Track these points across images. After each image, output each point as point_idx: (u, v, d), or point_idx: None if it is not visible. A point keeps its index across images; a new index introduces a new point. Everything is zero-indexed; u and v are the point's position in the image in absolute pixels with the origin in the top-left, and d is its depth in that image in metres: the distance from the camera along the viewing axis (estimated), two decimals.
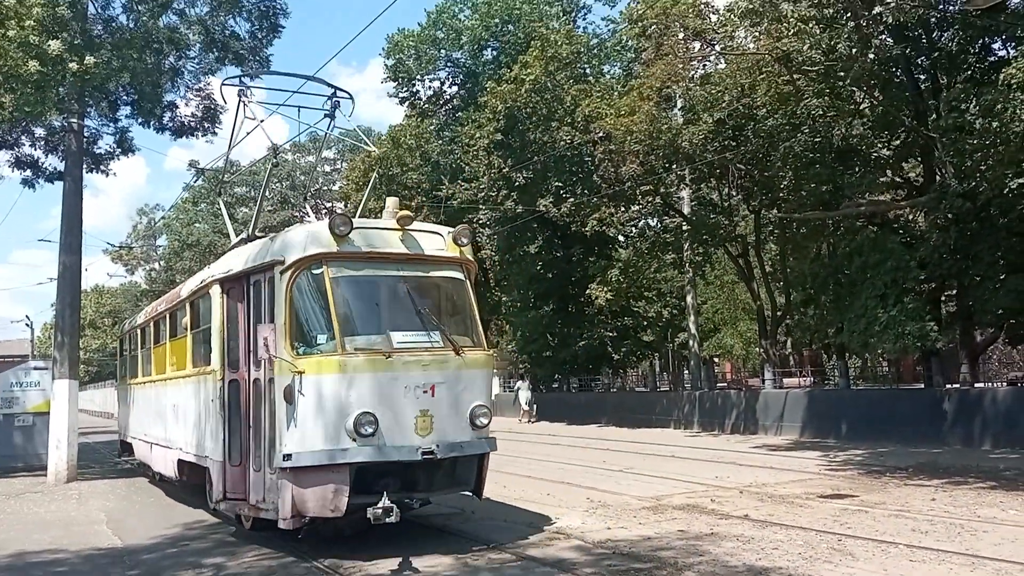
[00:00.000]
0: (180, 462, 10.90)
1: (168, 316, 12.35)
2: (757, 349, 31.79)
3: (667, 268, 30.87)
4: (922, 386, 19.56)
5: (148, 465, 13.89)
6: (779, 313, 25.74)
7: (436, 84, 39.75)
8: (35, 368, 17.42)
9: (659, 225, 29.41)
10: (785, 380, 23.84)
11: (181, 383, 11.02)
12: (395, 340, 8.06)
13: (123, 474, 16.40)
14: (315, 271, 8.11)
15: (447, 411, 8.11)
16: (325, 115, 10.61)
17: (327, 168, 54.28)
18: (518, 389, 35.50)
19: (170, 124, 21.42)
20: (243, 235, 10.91)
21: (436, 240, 8.86)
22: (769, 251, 28.85)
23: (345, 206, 47.33)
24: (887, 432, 17.66)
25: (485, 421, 8.48)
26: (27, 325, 53.73)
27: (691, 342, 28.37)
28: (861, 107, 18.80)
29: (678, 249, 27.33)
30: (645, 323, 33.87)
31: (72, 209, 16.10)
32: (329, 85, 11.04)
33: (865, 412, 19.15)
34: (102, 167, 22.05)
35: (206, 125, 21.68)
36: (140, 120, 21.00)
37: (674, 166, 22.56)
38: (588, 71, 30.57)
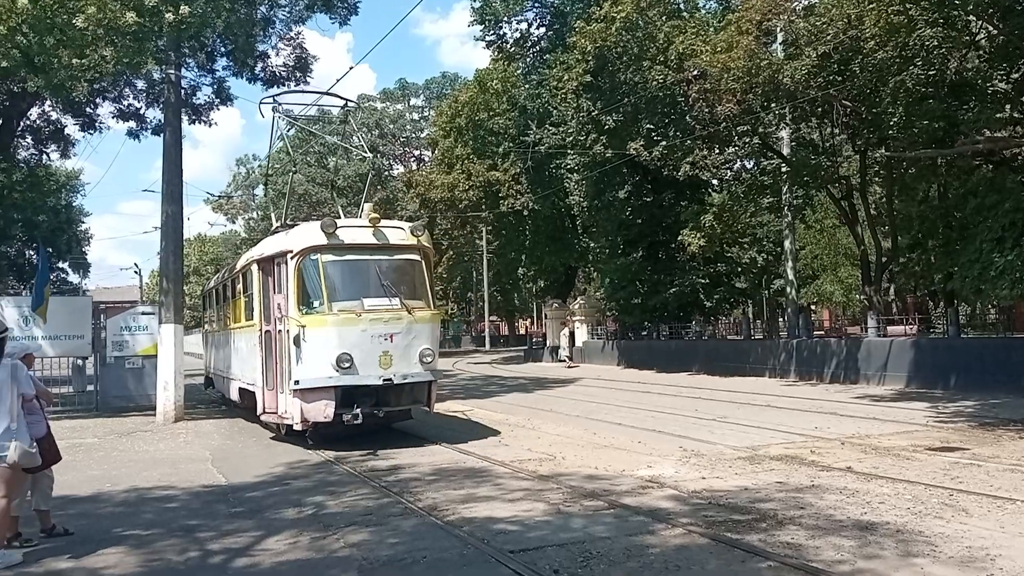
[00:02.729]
0: (240, 389, 14.78)
1: (230, 282, 16.33)
2: (858, 296, 30.62)
3: (764, 212, 29.86)
4: None
5: (222, 391, 17.83)
6: (883, 259, 24.56)
7: (523, 26, 39.10)
8: (143, 313, 18.18)
9: (756, 167, 28.32)
10: (889, 328, 22.78)
11: (238, 332, 15.01)
12: (366, 304, 11.56)
13: (227, 414, 17.15)
14: (312, 257, 11.67)
15: (402, 352, 11.57)
16: (340, 121, 15.79)
17: (415, 116, 54.53)
18: (561, 337, 36.18)
19: (262, 74, 21.85)
20: (276, 225, 14.81)
21: (399, 233, 12.37)
22: (874, 193, 27.48)
23: (432, 153, 47.63)
24: (1000, 383, 16.69)
25: (430, 360, 11.84)
26: (135, 272, 56.65)
27: (788, 289, 27.47)
28: (978, 38, 17.38)
29: (776, 192, 26.32)
30: (739, 269, 33.01)
31: (173, 159, 16.59)
32: (341, 98, 16.50)
33: (976, 362, 18.15)
34: (203, 117, 22.79)
35: (297, 75, 22.03)
36: (234, 71, 21.52)
37: (774, 104, 21.53)
38: (682, 6, 29.35)
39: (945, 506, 7.21)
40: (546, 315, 41.69)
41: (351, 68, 21.60)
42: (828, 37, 18.77)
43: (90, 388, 18.69)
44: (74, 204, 55.81)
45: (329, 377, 11.17)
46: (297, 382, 11.33)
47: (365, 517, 7.38)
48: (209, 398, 20.79)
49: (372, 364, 11.31)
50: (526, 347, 45.85)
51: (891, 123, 19.07)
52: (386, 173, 53.45)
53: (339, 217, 13.18)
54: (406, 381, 11.62)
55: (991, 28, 16.55)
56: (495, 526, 6.90)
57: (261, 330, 12.73)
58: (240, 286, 14.72)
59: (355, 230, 12.12)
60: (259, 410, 12.80)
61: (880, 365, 20.34)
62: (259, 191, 51.85)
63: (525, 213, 37.73)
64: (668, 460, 10.01)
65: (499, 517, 7.19)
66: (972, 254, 16.74)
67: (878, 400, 16.82)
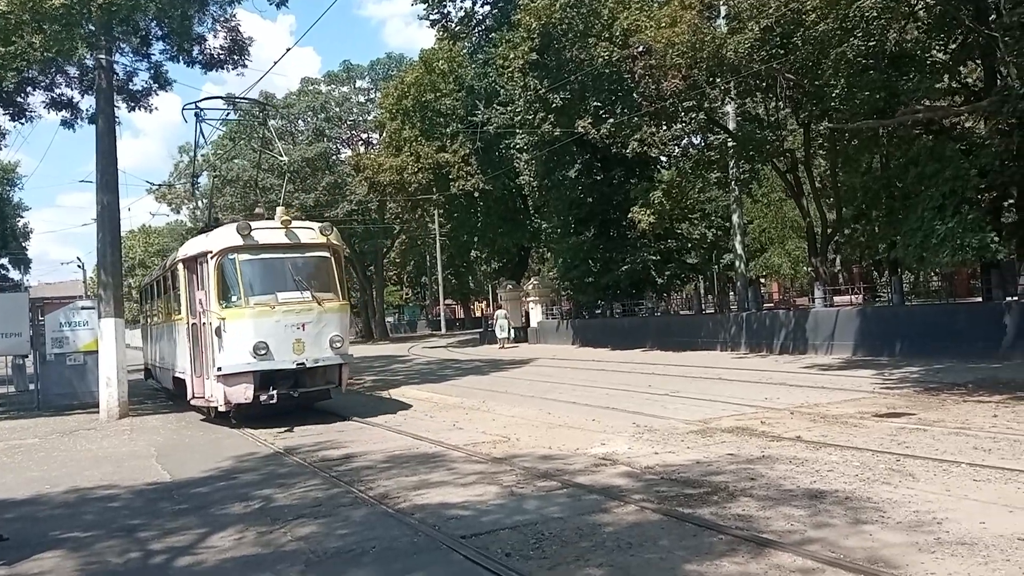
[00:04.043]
0: (174, 378, 15.99)
1: (161, 279, 17.61)
2: (805, 268, 31.15)
3: (712, 188, 30.07)
4: (980, 300, 18.85)
5: (159, 380, 19.19)
6: (829, 230, 24.95)
7: (468, 4, 38.65)
8: (83, 308, 17.65)
9: (703, 143, 28.49)
10: (835, 298, 23.21)
11: (169, 325, 16.27)
12: (279, 297, 12.83)
13: (174, 409, 16.74)
14: (230, 256, 12.86)
15: (313, 339, 12.83)
16: (259, 123, 18.06)
17: (361, 99, 53.68)
18: (496, 319, 36.60)
19: (200, 57, 21.16)
20: (201, 225, 16.02)
21: (309, 233, 13.58)
22: (819, 166, 27.87)
23: (380, 135, 47.01)
24: (944, 348, 17.12)
25: (339, 345, 13.10)
26: (79, 266, 55.01)
27: (737, 263, 27.77)
28: (916, 9, 17.63)
29: (723, 167, 26.53)
30: (689, 245, 33.27)
31: (106, 146, 16.00)
32: (258, 102, 19.44)
33: (920, 328, 18.59)
34: (141, 103, 22.03)
35: (235, 57, 21.38)
36: (171, 55, 20.83)
37: (718, 79, 21.61)
38: None
39: (892, 471, 7.30)
40: (500, 297, 41.63)
41: (288, 50, 21.44)
42: (770, 10, 18.84)
43: (32, 387, 18.10)
44: (12, 199, 54.04)
45: (248, 363, 12.46)
46: (220, 369, 12.63)
47: (314, 509, 7.21)
48: (157, 393, 20.27)
49: (286, 350, 12.61)
50: (481, 330, 45.79)
51: (833, 95, 19.26)
52: (333, 157, 52.58)
53: (264, 215, 14.45)
54: (318, 364, 12.96)
55: None
56: (448, 512, 6.79)
57: (188, 323, 14.10)
58: (170, 283, 15.94)
59: (268, 231, 13.34)
60: (189, 395, 14.23)
61: (827, 335, 20.71)
62: (203, 179, 50.66)
63: (476, 195, 37.47)
64: (622, 437, 10.01)
65: (452, 502, 7.09)
66: (914, 223, 17.06)
67: (826, 369, 17.11)
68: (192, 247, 14.26)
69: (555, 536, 5.87)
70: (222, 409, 12.96)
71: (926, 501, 6.23)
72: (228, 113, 18.34)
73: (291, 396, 12.86)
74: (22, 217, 58.91)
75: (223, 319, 12.58)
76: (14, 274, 58.23)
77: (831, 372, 16.52)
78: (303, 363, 12.69)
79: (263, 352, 12.39)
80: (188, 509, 7.64)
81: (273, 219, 13.81)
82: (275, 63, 48.85)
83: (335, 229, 14.66)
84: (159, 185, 43.98)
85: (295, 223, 13.71)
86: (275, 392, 12.61)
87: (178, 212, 65.54)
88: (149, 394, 20.38)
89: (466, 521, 6.47)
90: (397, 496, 7.49)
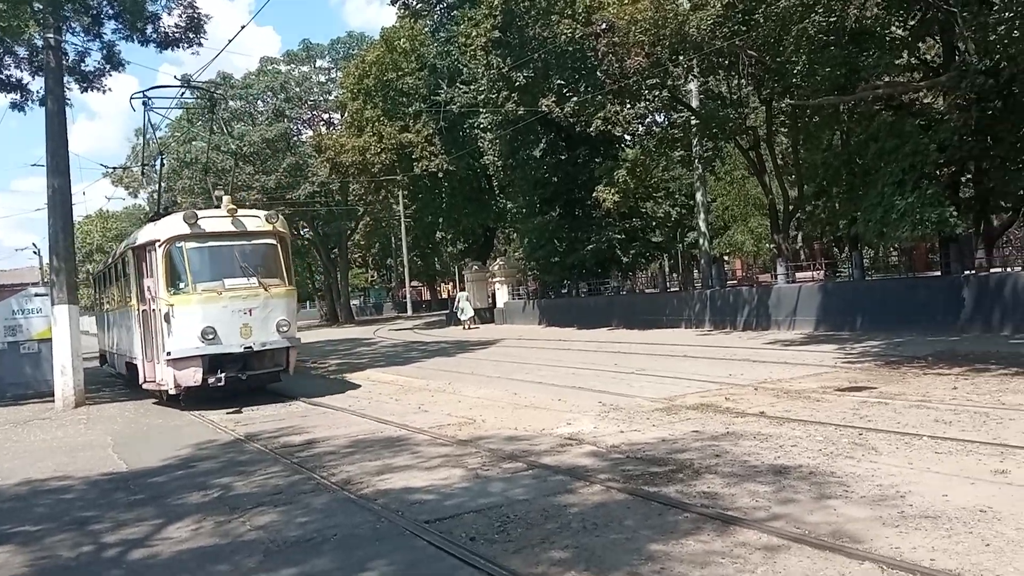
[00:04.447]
0: (127, 363, 16.55)
1: (113, 266, 18.10)
2: (768, 245, 31.38)
3: (676, 166, 30.13)
4: (938, 274, 19.14)
5: (113, 366, 19.63)
6: (791, 207, 25.15)
7: None
8: (36, 295, 17.08)
9: (666, 121, 28.46)
10: (797, 274, 23.42)
11: (121, 312, 16.76)
12: (226, 284, 13.29)
13: (132, 396, 16.39)
14: (177, 245, 13.30)
15: (260, 324, 13.31)
16: (207, 109, 19.09)
17: (322, 78, 52.78)
18: (458, 300, 36.68)
19: (154, 36, 20.56)
20: (151, 214, 16.44)
21: (255, 221, 14.08)
22: (780, 143, 28.01)
23: (342, 116, 46.32)
24: (904, 322, 17.37)
25: (285, 329, 13.67)
26: (34, 252, 53.60)
27: (701, 240, 27.91)
28: None
29: (687, 145, 26.56)
30: (654, 224, 33.35)
31: (56, 128, 15.48)
32: (203, 88, 19.87)
33: (880, 303, 18.83)
34: (94, 84, 21.36)
35: (191, 35, 20.81)
36: (124, 34, 20.20)
37: (681, 57, 21.55)
38: None
39: (855, 445, 7.34)
40: (466, 278, 41.44)
41: (242, 27, 20.88)
42: None
43: None
44: None
45: (196, 348, 12.94)
46: (169, 353, 13.10)
47: (274, 497, 7.05)
48: (114, 381, 19.84)
49: (234, 335, 13.12)
50: (448, 311, 45.56)
51: (795, 71, 19.31)
52: (295, 138, 51.70)
53: (221, 197, 14.35)
54: (265, 348, 13.48)
55: None
56: (411, 496, 6.68)
57: (139, 309, 14.56)
58: (122, 270, 16.37)
59: (215, 220, 13.74)
60: (141, 379, 14.68)
61: (790, 311, 20.90)
62: (164, 162, 49.50)
63: (440, 175, 37.10)
64: (587, 416, 9.97)
65: (416, 487, 6.98)
66: (874, 198, 17.22)
67: (788, 344, 17.27)
68: (142, 235, 14.61)
69: (520, 519, 5.79)
70: (172, 392, 13.51)
71: (889, 475, 6.26)
72: (177, 101, 18.76)
73: (239, 379, 13.37)
74: None
75: (171, 305, 13.07)
76: None
77: (794, 347, 16.67)
78: (250, 347, 13.25)
79: (211, 337, 12.91)
80: (144, 499, 7.43)
81: (220, 207, 14.09)
82: (229, 41, 48.06)
83: (280, 217, 15.13)
84: (114, 168, 42.81)
85: (241, 211, 14.19)
86: (223, 375, 13.11)
87: (135, 196, 64.10)
88: (107, 382, 19.93)
89: (430, 505, 6.37)
90: (360, 482, 7.35)
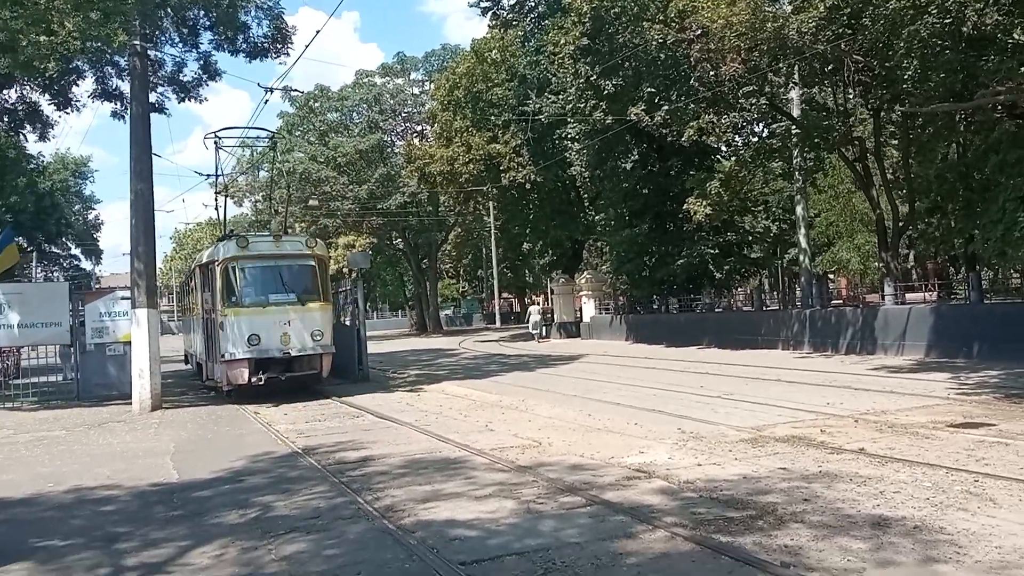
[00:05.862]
0: (197, 363, 20.11)
1: (188, 279, 22.77)
2: (876, 263, 29.48)
3: (775, 178, 28.68)
4: None
5: (200, 364, 21.20)
6: (901, 223, 23.41)
7: None
8: (122, 297, 17.31)
9: (765, 131, 27.09)
10: (908, 295, 21.69)
11: (194, 319, 19.89)
12: (271, 300, 15.74)
13: (211, 401, 16.55)
14: (232, 265, 15.71)
15: (298, 333, 15.54)
16: (269, 148, 22.47)
17: (415, 91, 53.30)
18: (529, 315, 36.43)
19: (244, 46, 20.93)
20: (221, 236, 18.17)
21: (297, 245, 16.85)
22: (890, 155, 26.25)
23: (432, 126, 46.56)
24: None
25: (319, 338, 15.81)
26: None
27: (802, 257, 26.38)
28: None
29: (787, 157, 25.15)
30: (751, 239, 31.85)
31: (140, 134, 15.73)
32: (267, 130, 22.30)
33: (1000, 328, 17.08)
34: (191, 94, 21.95)
35: (278, 46, 21.14)
36: (218, 44, 20.65)
37: (781, 62, 20.34)
38: None
39: (970, 495, 6.29)
40: (553, 291, 40.75)
41: (317, 33, 20.90)
42: None
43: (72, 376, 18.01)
44: (84, 191, 55.58)
45: (245, 351, 15.19)
46: (223, 355, 15.34)
47: (311, 522, 6.53)
48: (199, 385, 20.08)
49: (275, 342, 15.38)
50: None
51: (905, 77, 17.92)
52: (388, 149, 52.30)
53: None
54: (302, 354, 15.68)
55: None
56: (452, 531, 6.03)
57: (203, 317, 17.07)
58: (192, 284, 19.34)
59: (263, 243, 16.55)
60: (204, 377, 17.76)
61: (898, 334, 19.30)
62: (263, 173, 50.92)
63: (528, 186, 36.61)
64: (663, 444, 9.12)
65: (460, 519, 6.33)
66: (995, 214, 15.71)
67: (895, 371, 15.83)
68: (206, 255, 17.49)
69: (567, 566, 5.07)
70: (226, 388, 15.88)
71: (1010, 534, 5.27)
72: (241, 141, 21.34)
73: (279, 379, 15.62)
74: (93, 209, 60.50)
75: (226, 316, 15.36)
76: (86, 265, 59.86)
77: (901, 375, 15.24)
78: (288, 352, 15.46)
79: (256, 343, 15.18)
80: (181, 516, 7.06)
81: (268, 233, 17.00)
82: (307, 46, 48.86)
83: (320, 241, 18.00)
84: (206, 176, 44.35)
85: (285, 236, 17.59)
86: (263, 375, 15.35)
87: (240, 205, 66.27)
88: (192, 385, 20.22)
89: (470, 543, 5.70)
90: (402, 509, 6.76)
